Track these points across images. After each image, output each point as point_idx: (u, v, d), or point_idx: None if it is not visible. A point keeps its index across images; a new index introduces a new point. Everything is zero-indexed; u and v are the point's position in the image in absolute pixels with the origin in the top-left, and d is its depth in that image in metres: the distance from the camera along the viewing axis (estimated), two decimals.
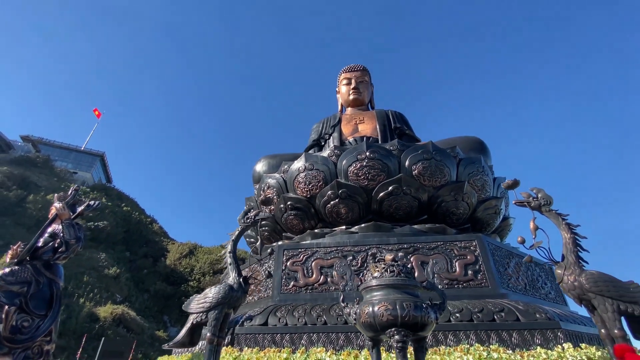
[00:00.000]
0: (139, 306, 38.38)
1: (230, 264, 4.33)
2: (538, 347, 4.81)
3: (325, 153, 9.01)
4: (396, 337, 3.03)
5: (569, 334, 5.15)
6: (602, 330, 3.28)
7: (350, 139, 14.75)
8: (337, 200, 8.32)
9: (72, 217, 6.95)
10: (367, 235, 7.62)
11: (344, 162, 8.55)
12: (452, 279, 6.46)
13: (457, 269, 6.55)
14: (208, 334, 3.72)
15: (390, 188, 8.12)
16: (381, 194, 8.18)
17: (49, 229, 6.88)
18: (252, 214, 4.74)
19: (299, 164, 9.03)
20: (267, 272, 6.88)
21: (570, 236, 3.69)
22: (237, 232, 4.63)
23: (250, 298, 7.77)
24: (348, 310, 3.50)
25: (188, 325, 4.12)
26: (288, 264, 7.24)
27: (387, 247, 7.05)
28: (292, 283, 6.97)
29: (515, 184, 4.20)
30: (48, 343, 5.74)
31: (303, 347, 5.28)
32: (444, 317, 5.43)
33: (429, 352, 4.84)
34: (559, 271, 3.56)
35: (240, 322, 6.02)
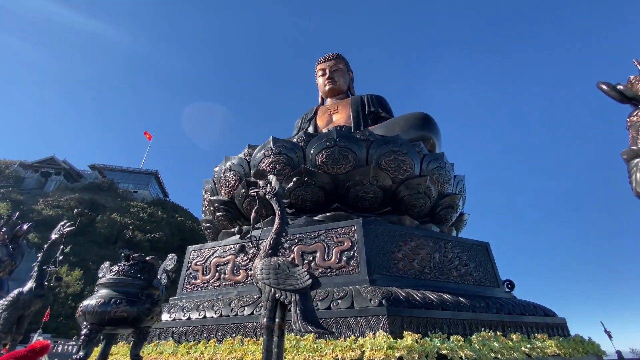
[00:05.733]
0: None
1: (34, 272, 4.98)
2: (354, 334, 4.63)
3: (242, 153, 9.28)
4: (83, 330, 3.32)
5: (406, 320, 4.82)
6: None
7: (325, 131, 14.68)
8: (249, 198, 8.57)
9: (8, 238, 8.19)
10: (265, 230, 7.76)
11: (255, 160, 8.74)
12: (327, 267, 6.37)
13: (333, 257, 6.42)
14: None
15: (294, 180, 8.12)
16: (287, 187, 8.22)
17: None
18: (65, 227, 5.34)
19: (222, 166, 9.44)
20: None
21: (278, 223, 3.54)
22: (46, 246, 5.27)
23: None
24: None
25: None
26: (192, 264, 7.75)
27: None
28: (192, 282, 7.46)
29: (260, 174, 4.10)
30: None
31: (156, 340, 5.76)
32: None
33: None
34: (256, 259, 3.45)
35: None
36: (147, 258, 4.08)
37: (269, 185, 3.88)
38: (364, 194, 8.07)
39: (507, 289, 12.93)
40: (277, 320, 2.93)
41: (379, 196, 8.16)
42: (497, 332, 5.26)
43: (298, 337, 4.70)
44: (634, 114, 3.81)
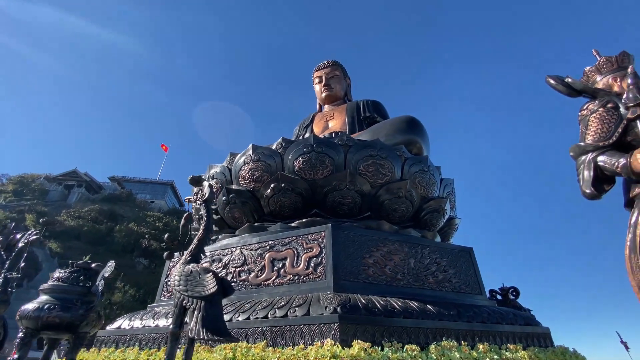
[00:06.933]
0: None
1: None
2: (305, 343, 4.54)
3: (225, 161, 9.40)
4: (19, 334, 3.41)
5: (360, 328, 4.68)
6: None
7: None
8: (229, 206, 8.64)
9: (2, 248, 8.53)
10: (242, 237, 7.79)
11: (236, 167, 8.83)
12: (295, 274, 6.29)
13: (302, 264, 6.34)
14: None
15: (272, 186, 8.13)
16: (265, 194, 8.25)
17: None
18: (31, 236, 5.55)
19: (206, 174, 9.59)
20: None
21: (202, 230, 3.52)
22: (13, 254, 5.47)
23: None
24: None
25: None
26: (170, 271, 7.85)
27: (249, 247, 7.16)
28: (169, 289, 7.55)
29: (195, 180, 4.12)
30: None
31: (123, 347, 5.83)
32: (246, 315, 5.40)
33: (223, 348, 4.89)
34: (177, 265, 3.44)
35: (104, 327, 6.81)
36: (92, 265, 4.17)
37: (200, 191, 3.90)
38: (342, 199, 7.98)
39: (512, 296, 12.42)
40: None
41: (358, 201, 8.05)
42: (464, 342, 5.03)
43: (250, 345, 4.64)
44: (584, 107, 3.60)
